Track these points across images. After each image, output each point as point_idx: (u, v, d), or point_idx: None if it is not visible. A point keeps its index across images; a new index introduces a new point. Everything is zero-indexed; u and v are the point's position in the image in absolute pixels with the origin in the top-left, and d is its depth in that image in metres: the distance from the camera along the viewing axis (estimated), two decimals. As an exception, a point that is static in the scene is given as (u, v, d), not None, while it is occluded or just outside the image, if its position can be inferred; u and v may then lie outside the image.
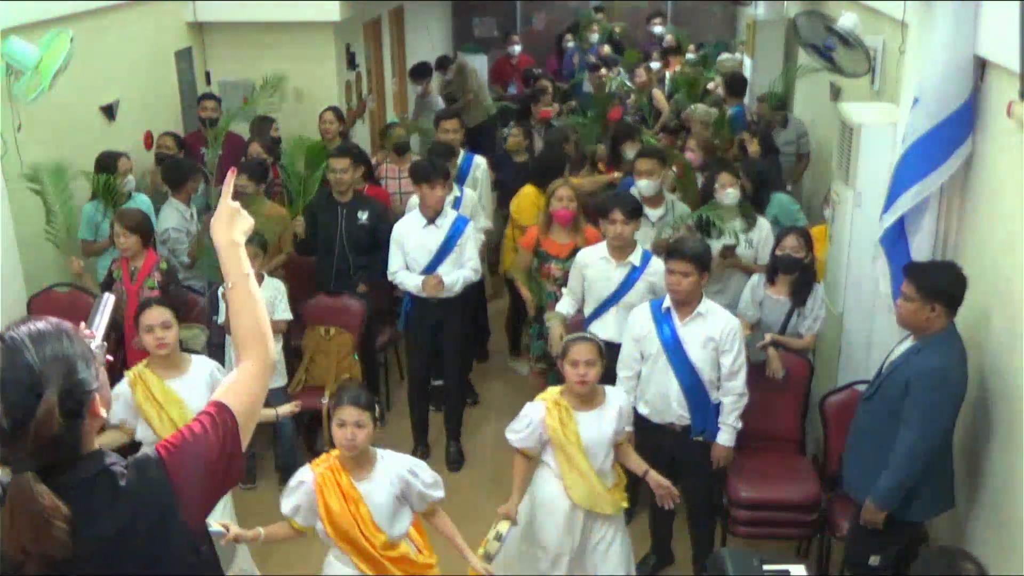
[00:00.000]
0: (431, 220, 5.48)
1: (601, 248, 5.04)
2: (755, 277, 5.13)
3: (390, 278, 5.63)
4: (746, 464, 4.74)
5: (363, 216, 5.99)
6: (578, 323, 5.18)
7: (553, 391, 4.06)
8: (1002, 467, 3.70)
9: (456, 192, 6.12)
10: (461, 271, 5.51)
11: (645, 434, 4.39)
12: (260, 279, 5.45)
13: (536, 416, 4.00)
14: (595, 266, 5.00)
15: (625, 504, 4.15)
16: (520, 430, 4.04)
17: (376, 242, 6.01)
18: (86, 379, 1.76)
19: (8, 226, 5.36)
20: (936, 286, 3.70)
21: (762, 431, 4.84)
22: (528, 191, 6.50)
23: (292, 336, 5.80)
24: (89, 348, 1.81)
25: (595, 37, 12.79)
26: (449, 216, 5.54)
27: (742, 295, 5.13)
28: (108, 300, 2.06)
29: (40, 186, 5.62)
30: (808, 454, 5.00)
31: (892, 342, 4.19)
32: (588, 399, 3.98)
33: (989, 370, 3.85)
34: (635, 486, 4.46)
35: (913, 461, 3.73)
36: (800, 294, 4.91)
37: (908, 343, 3.91)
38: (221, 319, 5.39)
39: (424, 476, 3.60)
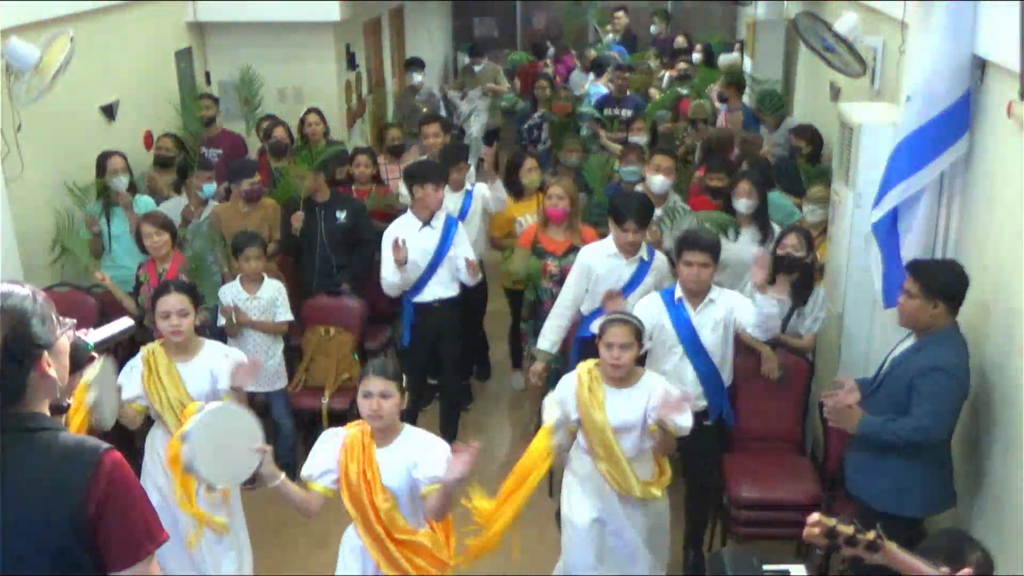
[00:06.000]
0: (427, 222, 5.45)
1: (607, 245, 5.00)
2: (755, 277, 5.13)
3: (383, 285, 5.52)
4: (746, 464, 4.76)
5: (341, 215, 6.00)
6: (576, 322, 5.18)
7: (589, 362, 4.05)
8: (1002, 466, 3.69)
9: (467, 186, 6.13)
10: (464, 253, 5.47)
11: None
12: (260, 280, 5.45)
13: (571, 385, 4.00)
14: (603, 264, 4.98)
15: (658, 495, 4.06)
16: (556, 403, 3.94)
17: (356, 240, 6.03)
18: (37, 333, 1.96)
19: (8, 226, 5.36)
20: (939, 284, 3.72)
21: (762, 431, 4.86)
22: None
23: (292, 336, 5.80)
24: (50, 314, 2.00)
25: (609, 37, 12.80)
26: (441, 216, 5.50)
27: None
28: (124, 322, 2.34)
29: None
30: (808, 454, 5.01)
31: (892, 341, 4.19)
32: (622, 379, 3.97)
33: (989, 369, 3.85)
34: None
35: (915, 432, 3.70)
36: (800, 294, 4.91)
37: (909, 342, 3.91)
38: (220, 322, 5.38)
39: (436, 451, 3.49)
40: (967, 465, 4.00)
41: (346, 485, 3.46)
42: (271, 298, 5.42)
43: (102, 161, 5.97)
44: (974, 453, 3.97)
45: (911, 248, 4.24)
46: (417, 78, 9.71)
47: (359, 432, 3.51)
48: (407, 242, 5.39)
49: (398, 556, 3.48)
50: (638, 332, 3.94)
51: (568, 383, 4.03)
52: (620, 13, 13.21)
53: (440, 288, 5.53)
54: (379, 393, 3.40)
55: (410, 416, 5.81)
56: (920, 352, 3.80)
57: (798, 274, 4.88)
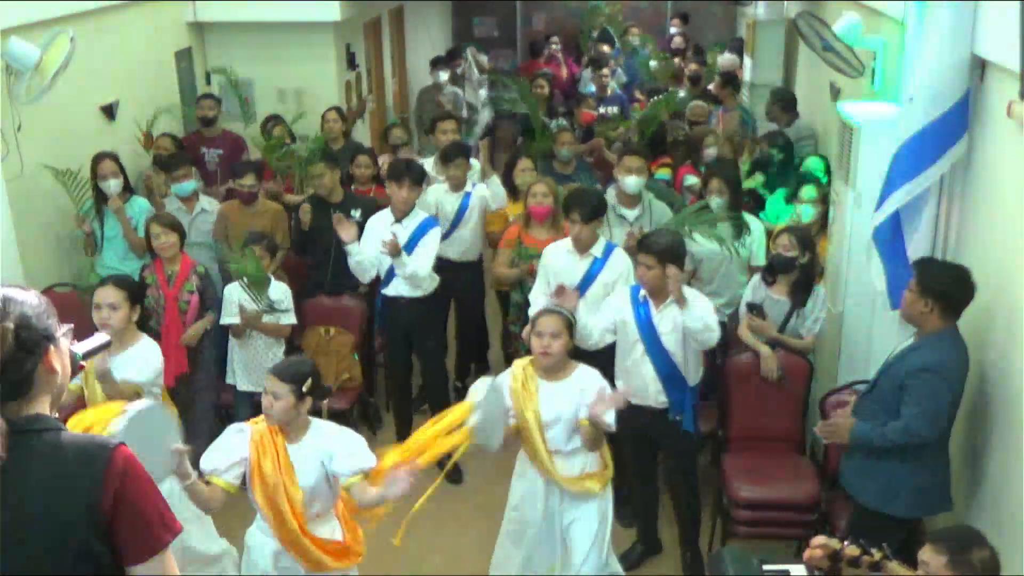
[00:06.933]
0: (398, 219, 5.48)
1: (567, 241, 5.06)
2: (755, 277, 5.13)
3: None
4: (746, 464, 4.76)
5: (356, 215, 5.97)
6: None
7: (524, 359, 4.11)
8: (1002, 467, 3.69)
9: (468, 186, 6.13)
10: (417, 260, 5.38)
11: (625, 413, 4.42)
12: (268, 281, 5.44)
13: (507, 382, 4.05)
14: (561, 259, 5.03)
15: (596, 488, 4.08)
16: (490, 387, 4.04)
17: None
18: (43, 325, 1.98)
19: (8, 226, 5.36)
20: (933, 283, 3.72)
21: (762, 431, 4.86)
22: None
23: (292, 336, 5.79)
24: (50, 311, 2.02)
25: (637, 40, 12.82)
26: (417, 217, 5.50)
27: (743, 295, 5.14)
28: (101, 337, 2.37)
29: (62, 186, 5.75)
30: (807, 454, 5.01)
31: (892, 342, 4.19)
32: (553, 371, 4.01)
33: (989, 369, 3.85)
34: (619, 476, 4.49)
35: (902, 434, 3.75)
36: (799, 294, 4.91)
37: (909, 342, 3.91)
38: (224, 320, 5.38)
39: (351, 442, 3.55)
40: (967, 466, 4.00)
41: (260, 483, 3.47)
42: (276, 300, 5.41)
43: (94, 164, 5.93)
44: (973, 454, 3.97)
45: (916, 249, 4.24)
46: (443, 76, 9.72)
47: (267, 430, 3.53)
48: (377, 232, 5.45)
49: (313, 550, 3.52)
50: (569, 323, 3.99)
51: (505, 377, 4.07)
52: (636, 29, 13.30)
53: (404, 287, 5.52)
54: (271, 392, 3.46)
55: (404, 415, 5.86)
56: (915, 352, 3.81)
57: (797, 273, 4.89)
